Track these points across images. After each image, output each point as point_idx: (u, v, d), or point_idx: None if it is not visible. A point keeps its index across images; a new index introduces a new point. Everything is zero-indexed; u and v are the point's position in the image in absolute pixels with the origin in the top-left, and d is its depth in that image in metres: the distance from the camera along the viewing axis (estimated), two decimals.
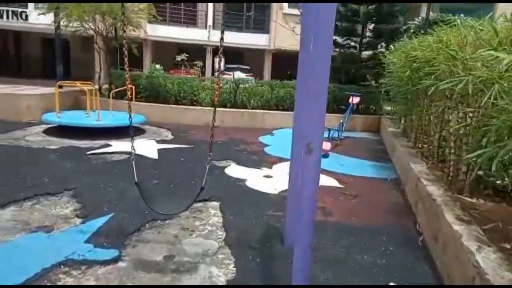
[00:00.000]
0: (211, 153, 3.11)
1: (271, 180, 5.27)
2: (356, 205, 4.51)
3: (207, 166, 3.11)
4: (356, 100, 9.46)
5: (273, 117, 10.12)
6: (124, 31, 2.62)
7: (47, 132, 7.70)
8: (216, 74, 11.22)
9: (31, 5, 16.41)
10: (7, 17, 16.01)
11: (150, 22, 14.94)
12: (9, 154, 5.86)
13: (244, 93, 10.38)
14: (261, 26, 19.86)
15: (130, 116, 3.14)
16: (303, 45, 2.41)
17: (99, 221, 3.52)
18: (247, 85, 10.57)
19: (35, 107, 8.82)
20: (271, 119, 10.06)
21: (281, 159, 6.39)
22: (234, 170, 5.66)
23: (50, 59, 18.13)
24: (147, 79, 10.18)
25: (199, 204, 4.12)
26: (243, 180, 5.14)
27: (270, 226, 3.69)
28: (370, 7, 11.42)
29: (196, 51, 16.85)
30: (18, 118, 8.56)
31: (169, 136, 8.22)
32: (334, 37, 10.61)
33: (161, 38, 18.44)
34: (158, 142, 7.40)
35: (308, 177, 2.11)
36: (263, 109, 10.29)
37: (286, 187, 3.56)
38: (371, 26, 11.97)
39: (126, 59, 2.65)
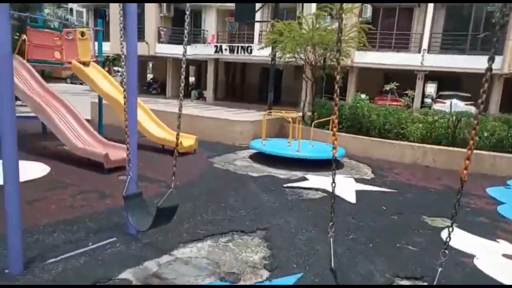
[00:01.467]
0: None
1: None
2: None
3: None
4: None
5: (509, 162, 7.78)
6: (339, 63, 2.10)
7: (252, 157, 8.20)
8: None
9: (255, 41, 18.93)
10: (237, 52, 18.92)
11: (358, 49, 14.60)
12: (219, 177, 6.39)
13: (466, 128, 8.46)
14: (489, 47, 16.44)
15: (333, 154, 2.54)
16: None
17: (286, 281, 3.07)
18: (470, 119, 8.59)
19: (246, 133, 9.66)
20: (506, 165, 7.76)
21: None
22: (453, 235, 4.31)
23: (265, 86, 20.44)
24: (350, 109, 9.68)
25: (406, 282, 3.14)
26: (470, 256, 3.78)
27: None
28: None
29: (404, 77, 15.37)
30: (232, 141, 9.56)
31: (369, 174, 7.37)
32: None
33: (368, 65, 17.83)
34: (357, 181, 6.68)
35: None
36: (494, 151, 8.07)
37: None
38: None
39: (337, 88, 2.11)
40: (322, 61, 11.09)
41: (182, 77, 2.97)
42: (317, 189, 5.86)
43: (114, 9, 21.06)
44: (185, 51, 2.85)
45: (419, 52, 17.01)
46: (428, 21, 16.99)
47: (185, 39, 2.75)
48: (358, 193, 5.81)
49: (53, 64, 8.57)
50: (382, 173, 7.41)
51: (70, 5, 31.47)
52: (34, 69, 7.68)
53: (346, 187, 6.07)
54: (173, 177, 2.87)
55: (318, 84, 11.69)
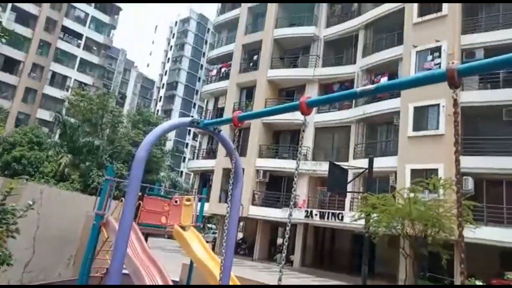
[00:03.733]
0: None
1: None
2: None
3: None
4: None
5: None
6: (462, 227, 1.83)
7: None
8: None
9: (346, 207, 18.83)
10: (328, 218, 18.81)
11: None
12: None
13: None
14: None
15: None
16: None
17: None
18: None
19: None
20: None
21: None
22: None
23: (356, 254, 19.14)
24: None
25: None
26: None
27: None
28: None
29: None
30: None
31: None
32: None
33: (475, 240, 15.83)
34: None
35: None
36: None
37: None
38: None
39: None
40: (422, 236, 10.22)
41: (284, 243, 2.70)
42: None
43: (218, 173, 23.68)
44: (296, 173, 2.82)
45: None
46: None
47: (299, 155, 2.79)
48: None
49: (157, 228, 9.37)
50: None
51: (185, 179, 36.34)
52: (140, 232, 8.45)
53: None
54: None
55: (420, 262, 10.49)
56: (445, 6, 17.31)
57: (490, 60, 1.99)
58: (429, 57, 17.47)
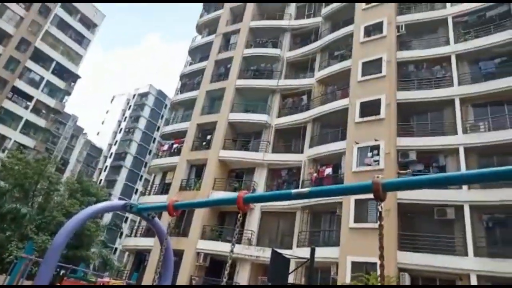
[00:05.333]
0: None
1: None
2: None
3: None
4: None
5: None
6: None
7: None
8: None
9: None
10: None
11: None
12: None
13: None
14: None
15: None
16: None
17: None
18: None
19: None
20: None
21: None
22: None
23: None
24: None
25: None
26: None
27: None
28: None
29: None
30: None
31: None
32: None
33: None
34: None
35: None
36: None
37: None
38: None
39: None
40: None
41: None
42: None
43: (154, 257, 22.05)
44: None
45: None
46: None
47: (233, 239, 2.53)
48: None
49: None
50: None
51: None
52: None
53: None
54: None
55: None
56: (382, 110, 19.35)
57: (413, 179, 2.22)
58: (369, 154, 18.87)
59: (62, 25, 46.50)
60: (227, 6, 32.60)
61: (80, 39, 48.86)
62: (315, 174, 21.09)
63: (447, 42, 20.76)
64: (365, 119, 19.80)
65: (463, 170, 17.04)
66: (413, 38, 22.13)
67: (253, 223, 21.76)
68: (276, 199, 3.04)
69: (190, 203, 3.34)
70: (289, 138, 24.77)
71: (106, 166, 68.84)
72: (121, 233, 57.07)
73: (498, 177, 2.11)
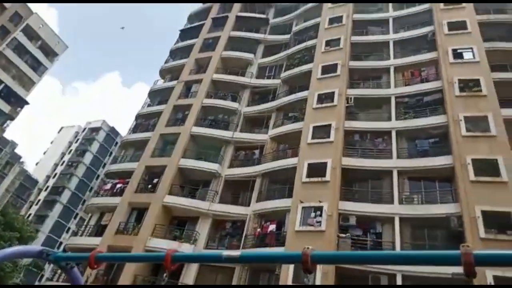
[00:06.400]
0: None
1: None
2: None
3: None
4: None
5: None
6: None
7: None
8: None
9: None
10: None
11: None
12: None
13: None
14: None
15: None
16: None
17: None
18: None
19: None
20: None
21: None
22: None
23: None
24: None
25: None
26: None
27: None
28: None
29: None
30: None
31: None
32: None
33: None
34: None
35: None
36: None
37: None
38: None
39: None
40: None
41: None
42: None
43: None
44: None
45: None
46: None
47: None
48: None
49: None
50: None
51: None
52: None
53: None
54: None
55: None
56: (328, 173, 20.26)
57: (341, 254, 2.45)
58: (313, 214, 19.32)
59: (20, 49, 45.03)
60: (193, 56, 33.77)
61: (37, 66, 47.30)
62: (258, 230, 21.02)
63: (389, 118, 22.79)
64: (312, 179, 20.54)
65: (397, 238, 17.93)
66: (360, 111, 24.05)
67: (189, 276, 20.76)
68: (206, 261, 3.07)
69: (114, 255, 3.20)
70: (237, 190, 24.78)
71: (39, 200, 63.58)
72: (41, 276, 51.36)
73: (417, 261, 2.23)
